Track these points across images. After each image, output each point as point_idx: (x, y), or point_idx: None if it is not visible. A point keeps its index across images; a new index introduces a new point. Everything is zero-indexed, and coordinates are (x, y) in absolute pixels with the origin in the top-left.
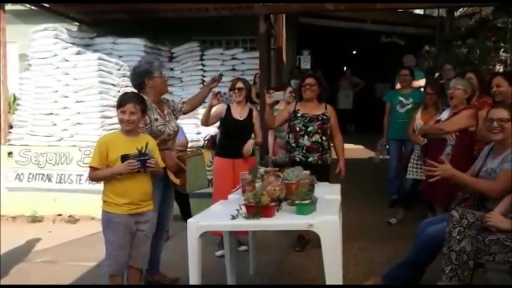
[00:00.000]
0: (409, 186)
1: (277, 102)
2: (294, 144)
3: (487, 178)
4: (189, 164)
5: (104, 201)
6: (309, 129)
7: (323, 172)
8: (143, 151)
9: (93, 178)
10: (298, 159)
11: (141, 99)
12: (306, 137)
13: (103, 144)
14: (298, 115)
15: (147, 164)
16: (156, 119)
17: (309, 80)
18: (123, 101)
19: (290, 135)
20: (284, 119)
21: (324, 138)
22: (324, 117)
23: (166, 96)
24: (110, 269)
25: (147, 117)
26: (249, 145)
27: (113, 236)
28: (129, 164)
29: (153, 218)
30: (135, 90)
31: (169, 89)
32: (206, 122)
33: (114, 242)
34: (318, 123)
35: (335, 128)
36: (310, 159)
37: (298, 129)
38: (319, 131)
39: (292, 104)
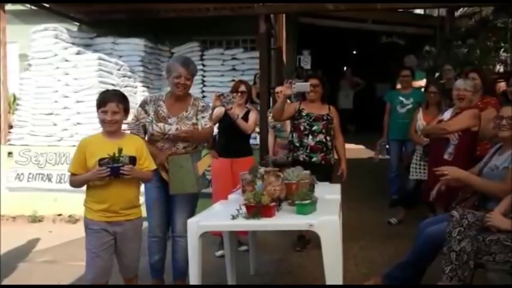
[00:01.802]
0: (412, 187)
1: (298, 93)
2: (297, 144)
3: (490, 174)
4: (171, 163)
5: (84, 206)
6: (313, 128)
7: (326, 172)
8: (116, 156)
9: (71, 184)
10: (301, 159)
11: (123, 98)
12: (310, 136)
13: (81, 148)
14: (303, 114)
15: (120, 172)
16: (149, 114)
17: (313, 81)
18: (104, 100)
19: (294, 135)
20: (290, 114)
21: (328, 138)
22: (329, 117)
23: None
24: (89, 276)
25: (141, 110)
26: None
27: (90, 243)
28: (98, 172)
29: (137, 227)
30: (116, 89)
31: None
32: None
33: (90, 249)
34: (323, 123)
35: (337, 129)
36: (314, 159)
37: (302, 128)
38: (323, 130)
39: (297, 102)
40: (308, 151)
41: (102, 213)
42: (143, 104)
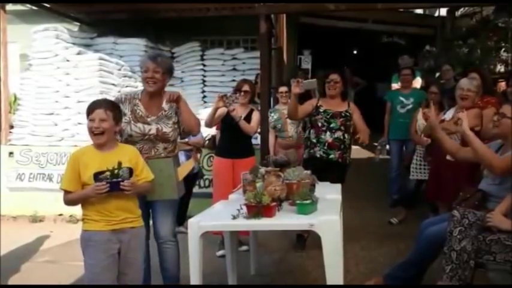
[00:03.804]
0: (412, 187)
1: (308, 91)
2: (314, 140)
3: (489, 176)
4: (150, 167)
5: (83, 220)
6: (331, 125)
7: (341, 171)
8: (116, 171)
9: (66, 202)
10: (318, 156)
11: (113, 105)
12: (328, 133)
13: (73, 162)
14: (321, 110)
15: (121, 187)
16: (124, 114)
17: (334, 76)
18: (91, 107)
19: (311, 131)
20: (307, 112)
21: (346, 136)
22: (347, 113)
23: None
24: None
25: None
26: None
27: (93, 258)
28: (97, 188)
29: (141, 236)
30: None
31: (170, 89)
32: (210, 123)
33: (95, 264)
34: (341, 119)
35: (360, 123)
36: (331, 156)
37: (320, 124)
38: (342, 127)
39: (315, 98)
40: (326, 148)
41: (106, 222)
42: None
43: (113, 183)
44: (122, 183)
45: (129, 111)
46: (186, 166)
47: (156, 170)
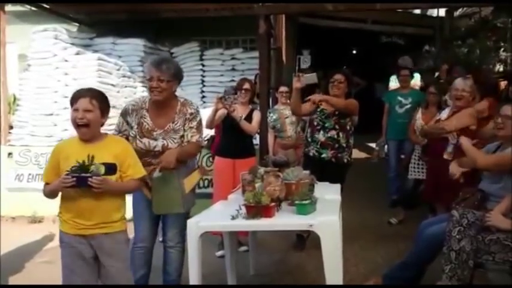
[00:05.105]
0: (410, 187)
1: (310, 85)
2: (309, 139)
3: (490, 175)
4: (155, 180)
5: (58, 218)
6: (325, 124)
7: (336, 170)
8: (86, 165)
9: (44, 194)
10: (311, 154)
11: (100, 95)
12: (321, 132)
13: (54, 153)
14: (318, 110)
15: (88, 183)
16: (131, 127)
17: (338, 77)
18: (75, 96)
19: (308, 130)
20: (309, 110)
21: (340, 134)
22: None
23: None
24: None
25: (123, 121)
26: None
27: (64, 259)
28: (63, 180)
29: (118, 242)
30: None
31: None
32: (211, 125)
33: (65, 266)
34: (335, 118)
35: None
36: (323, 155)
37: (315, 124)
38: (336, 126)
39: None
40: (318, 146)
41: (73, 224)
42: (124, 114)
43: (80, 178)
44: (89, 179)
45: (136, 124)
46: (192, 177)
47: (160, 183)
